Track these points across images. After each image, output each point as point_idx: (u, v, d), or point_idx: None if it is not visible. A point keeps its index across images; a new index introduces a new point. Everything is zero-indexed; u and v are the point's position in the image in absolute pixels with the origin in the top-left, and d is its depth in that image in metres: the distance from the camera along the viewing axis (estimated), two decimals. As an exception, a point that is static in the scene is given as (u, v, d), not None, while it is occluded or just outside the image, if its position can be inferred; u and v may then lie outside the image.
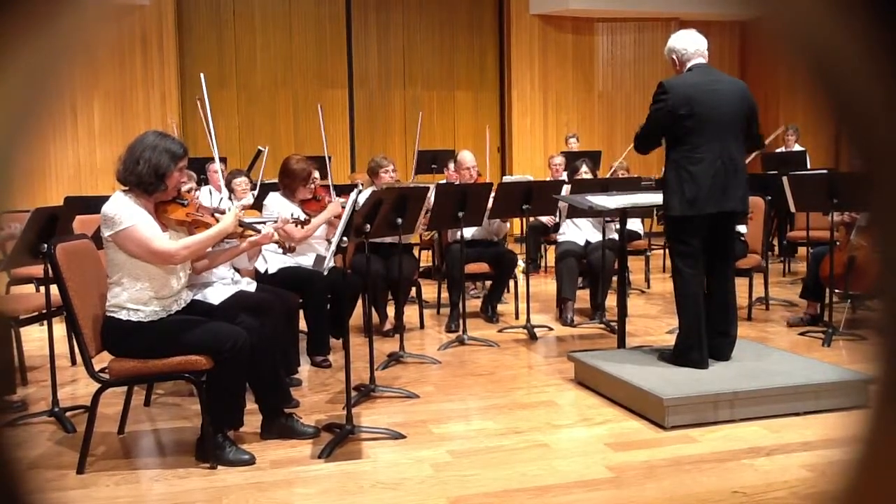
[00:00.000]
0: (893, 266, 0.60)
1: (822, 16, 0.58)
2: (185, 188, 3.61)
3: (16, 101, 0.67)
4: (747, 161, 4.61)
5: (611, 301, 5.93)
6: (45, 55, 0.66)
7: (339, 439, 3.47)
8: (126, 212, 3.18)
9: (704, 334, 4.13)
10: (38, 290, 5.31)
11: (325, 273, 4.25)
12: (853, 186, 5.04)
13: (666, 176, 4.14)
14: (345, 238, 3.54)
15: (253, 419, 3.61)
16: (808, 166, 8.62)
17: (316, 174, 4.98)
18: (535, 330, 5.63)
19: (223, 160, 7.77)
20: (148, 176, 3.22)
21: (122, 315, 3.23)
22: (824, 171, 6.75)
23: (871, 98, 0.59)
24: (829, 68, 0.60)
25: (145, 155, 3.21)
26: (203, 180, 7.28)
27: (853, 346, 5.15)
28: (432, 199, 5.30)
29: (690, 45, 4.17)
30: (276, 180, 5.31)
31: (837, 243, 5.39)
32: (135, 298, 3.23)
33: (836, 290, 5.40)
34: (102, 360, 3.31)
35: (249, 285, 4.27)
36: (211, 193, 7.29)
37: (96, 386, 3.30)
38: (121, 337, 3.25)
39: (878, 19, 0.55)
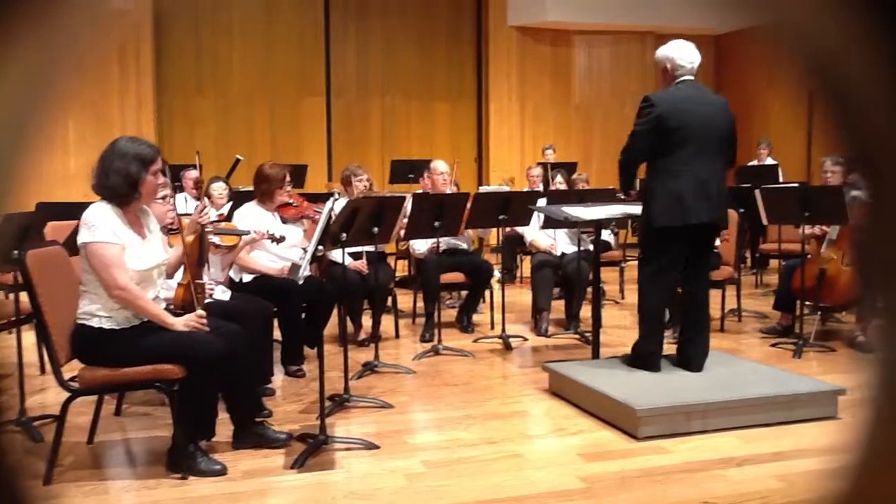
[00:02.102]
0: (891, 272, 0.61)
1: (825, 21, 0.59)
2: (160, 194, 3.58)
3: (14, 104, 0.67)
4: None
5: (586, 312, 5.95)
6: (41, 58, 0.66)
7: (312, 449, 3.45)
8: (105, 226, 3.13)
9: (662, 342, 4.33)
10: (7, 297, 5.23)
11: (300, 282, 4.25)
12: (825, 200, 5.12)
13: (649, 187, 4.18)
14: (320, 247, 3.53)
15: (225, 429, 3.58)
16: (781, 180, 8.74)
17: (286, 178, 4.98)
18: (511, 340, 5.64)
19: (199, 168, 7.73)
20: (121, 187, 3.18)
21: (94, 322, 3.19)
22: (796, 185, 6.85)
23: (873, 100, 0.59)
24: (831, 73, 0.61)
25: (115, 164, 3.17)
26: (178, 187, 7.23)
27: (824, 357, 5.22)
28: (409, 208, 5.31)
29: (687, 58, 4.21)
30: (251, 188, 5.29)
31: (809, 256, 5.46)
32: (107, 306, 3.20)
33: (808, 303, 5.47)
34: (72, 368, 3.27)
35: (224, 294, 4.25)
36: (186, 201, 7.25)
37: (66, 395, 3.26)
38: (92, 345, 3.21)
39: (880, 22, 0.56)
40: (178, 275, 3.63)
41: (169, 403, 3.32)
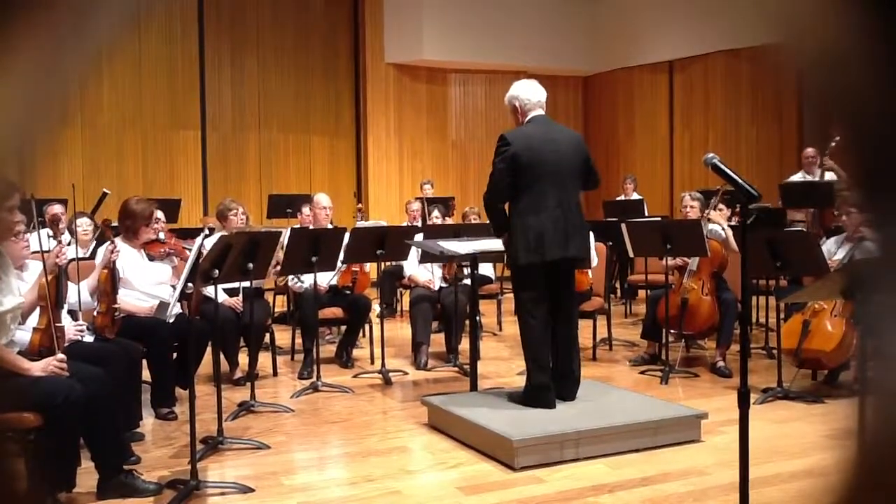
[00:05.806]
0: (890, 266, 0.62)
1: (837, 33, 0.60)
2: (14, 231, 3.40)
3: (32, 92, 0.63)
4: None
5: (465, 344, 6.03)
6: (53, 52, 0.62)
7: (182, 496, 3.32)
8: None
9: (550, 375, 4.29)
10: None
11: (170, 321, 4.10)
12: (684, 233, 5.42)
13: (510, 225, 4.27)
14: (189, 284, 3.43)
15: (88, 478, 3.39)
16: (646, 213, 9.19)
17: (159, 214, 4.83)
18: (390, 375, 5.63)
19: (63, 202, 7.35)
20: None
21: (-62, 370, 2.98)
22: (658, 219, 7.22)
23: (867, 77, 0.60)
24: (841, 86, 0.62)
25: None
26: (41, 222, 6.84)
27: (688, 382, 5.48)
28: (285, 242, 5.24)
29: (533, 95, 4.34)
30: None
31: (672, 286, 5.75)
32: (-46, 352, 2.99)
33: (672, 331, 5.74)
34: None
35: (88, 335, 4.04)
36: (49, 237, 6.87)
37: None
38: (-64, 394, 2.98)
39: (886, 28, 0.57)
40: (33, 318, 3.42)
41: (24, 454, 3.11)
